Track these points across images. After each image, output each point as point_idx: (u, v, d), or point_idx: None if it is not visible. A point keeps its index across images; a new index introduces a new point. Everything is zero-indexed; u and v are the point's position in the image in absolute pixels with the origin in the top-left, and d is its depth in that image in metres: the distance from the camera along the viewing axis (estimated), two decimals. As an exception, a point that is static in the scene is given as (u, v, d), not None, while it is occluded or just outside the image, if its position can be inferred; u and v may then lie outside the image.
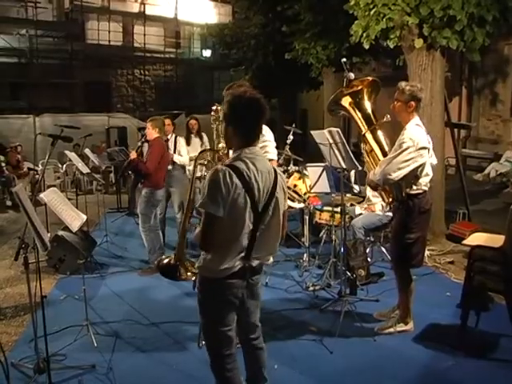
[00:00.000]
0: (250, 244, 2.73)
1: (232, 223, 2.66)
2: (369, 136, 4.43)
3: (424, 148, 4.05)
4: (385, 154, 4.28)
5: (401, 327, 4.50)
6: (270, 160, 4.33)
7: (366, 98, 4.49)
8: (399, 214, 4.30)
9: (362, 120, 4.48)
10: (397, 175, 4.00)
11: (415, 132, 4.08)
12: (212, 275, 2.78)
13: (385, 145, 4.39)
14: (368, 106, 4.50)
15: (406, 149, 3.98)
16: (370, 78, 4.57)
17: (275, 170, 2.85)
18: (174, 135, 7.14)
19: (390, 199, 4.45)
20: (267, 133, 4.77)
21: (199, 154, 3.97)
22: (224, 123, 2.81)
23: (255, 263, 2.82)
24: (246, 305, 2.93)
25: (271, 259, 2.97)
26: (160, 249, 6.37)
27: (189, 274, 3.02)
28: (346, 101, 4.54)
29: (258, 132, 2.78)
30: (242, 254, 2.73)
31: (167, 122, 6.77)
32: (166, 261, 3.07)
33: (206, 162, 4.64)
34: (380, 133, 4.44)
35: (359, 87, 4.50)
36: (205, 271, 2.82)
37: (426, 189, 4.21)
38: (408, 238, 4.22)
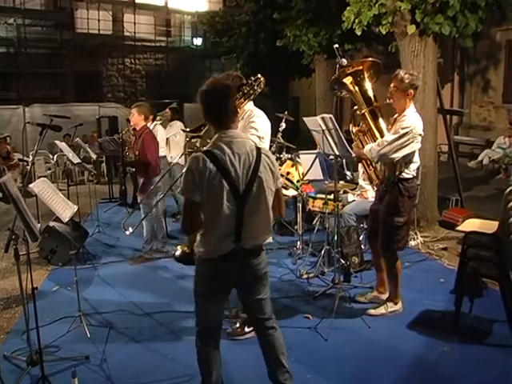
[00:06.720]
0: (237, 226, 2.80)
1: (210, 206, 2.76)
2: (368, 116, 4.48)
3: (420, 135, 4.22)
4: (382, 135, 4.38)
5: (391, 307, 4.57)
6: None
7: (366, 78, 4.52)
8: (390, 197, 4.38)
9: (363, 99, 4.51)
10: (396, 156, 4.17)
11: (415, 119, 4.24)
12: (204, 255, 2.91)
13: (383, 126, 4.47)
14: (369, 86, 4.53)
15: (407, 133, 4.13)
16: (371, 59, 4.58)
17: (259, 150, 2.87)
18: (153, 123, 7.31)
19: (378, 180, 4.61)
20: (262, 124, 4.17)
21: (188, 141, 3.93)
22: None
23: (248, 245, 2.87)
24: (246, 285, 3.02)
25: (270, 239, 3.02)
26: (163, 238, 6.46)
27: None
28: (347, 80, 4.56)
29: (226, 115, 2.83)
30: (232, 237, 2.80)
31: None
32: (178, 252, 3.47)
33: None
34: (379, 114, 4.50)
35: (360, 67, 4.51)
36: (198, 250, 2.95)
37: (415, 174, 4.40)
38: (398, 221, 4.34)
